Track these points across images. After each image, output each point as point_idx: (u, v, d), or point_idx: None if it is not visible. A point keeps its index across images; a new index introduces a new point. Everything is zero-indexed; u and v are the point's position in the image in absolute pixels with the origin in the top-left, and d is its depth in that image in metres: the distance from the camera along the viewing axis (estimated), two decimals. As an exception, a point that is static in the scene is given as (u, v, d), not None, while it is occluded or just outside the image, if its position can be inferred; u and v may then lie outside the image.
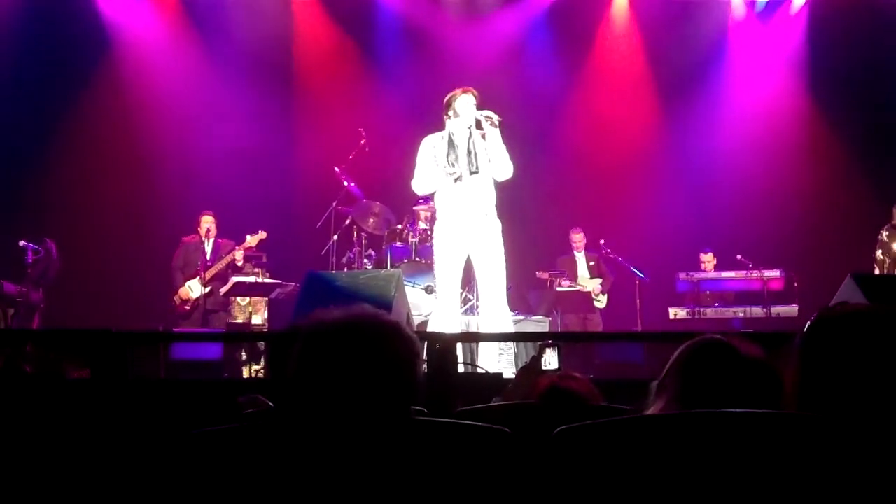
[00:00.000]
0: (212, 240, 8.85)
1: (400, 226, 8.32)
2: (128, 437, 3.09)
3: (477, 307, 6.95)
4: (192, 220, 8.96)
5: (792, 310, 9.13)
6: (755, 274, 9.40)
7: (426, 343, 3.94)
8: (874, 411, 1.47)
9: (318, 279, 5.83)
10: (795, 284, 9.35)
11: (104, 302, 9.17)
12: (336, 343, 1.73)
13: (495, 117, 5.96)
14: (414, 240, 8.03)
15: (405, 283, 6.50)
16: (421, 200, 7.79)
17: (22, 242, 8.67)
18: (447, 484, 1.62)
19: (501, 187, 6.23)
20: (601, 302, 9.68)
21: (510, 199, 6.69)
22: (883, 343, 1.50)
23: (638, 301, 9.60)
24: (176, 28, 10.52)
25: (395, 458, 1.64)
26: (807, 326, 1.68)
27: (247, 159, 10.00)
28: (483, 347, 5.91)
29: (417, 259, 7.89)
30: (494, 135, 5.99)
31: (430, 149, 6.10)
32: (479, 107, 6.04)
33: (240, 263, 8.81)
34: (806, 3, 10.94)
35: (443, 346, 4.01)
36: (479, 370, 5.47)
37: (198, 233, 8.86)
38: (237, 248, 8.75)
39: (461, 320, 6.73)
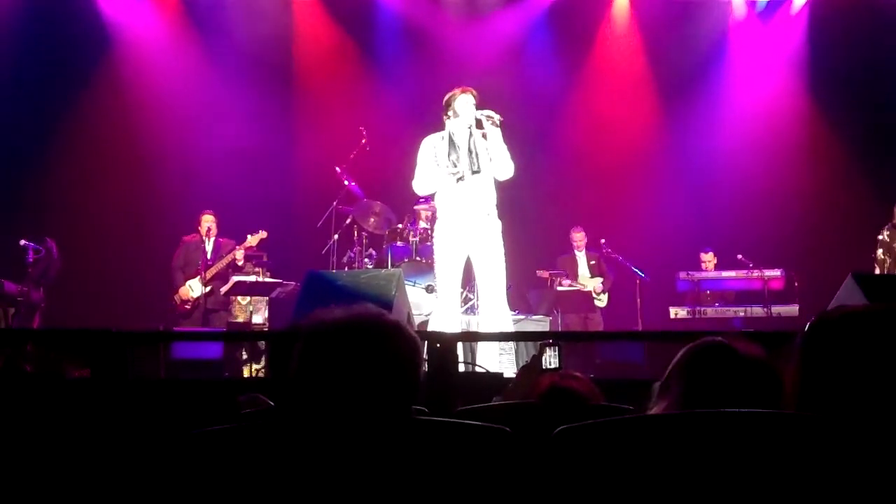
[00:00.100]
0: (212, 239, 8.85)
1: (400, 225, 8.32)
2: (128, 436, 3.09)
3: (477, 307, 6.94)
4: (193, 219, 8.96)
5: (792, 309, 9.13)
6: (756, 273, 9.40)
7: (427, 342, 3.94)
8: (874, 411, 1.47)
9: (319, 278, 5.82)
10: (796, 284, 9.35)
11: (105, 301, 9.17)
12: (337, 342, 1.73)
13: (497, 117, 5.96)
14: (414, 239, 8.03)
15: (406, 282, 6.49)
16: (421, 200, 7.79)
17: (23, 242, 8.67)
18: (448, 483, 1.62)
19: (502, 187, 6.23)
20: (602, 301, 9.68)
21: (511, 199, 6.69)
22: (882, 342, 1.50)
23: (638, 300, 9.60)
24: (176, 28, 10.52)
25: (396, 457, 1.64)
26: (807, 327, 1.68)
27: (247, 159, 10.00)
28: (483, 347, 5.90)
29: (418, 258, 7.90)
30: (496, 134, 5.99)
31: (431, 149, 6.10)
32: (479, 106, 6.04)
33: (240, 263, 8.82)
34: (806, 3, 10.94)
35: (443, 345, 4.01)
36: (479, 369, 5.47)
37: (198, 232, 8.86)
38: (237, 247, 8.76)
39: (462, 320, 6.73)
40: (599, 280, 9.69)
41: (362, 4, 10.92)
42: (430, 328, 6.13)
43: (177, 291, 8.77)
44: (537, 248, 9.90)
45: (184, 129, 10.15)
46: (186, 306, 8.69)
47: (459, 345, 4.48)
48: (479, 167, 5.98)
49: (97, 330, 4.10)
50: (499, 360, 6.04)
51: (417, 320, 6.89)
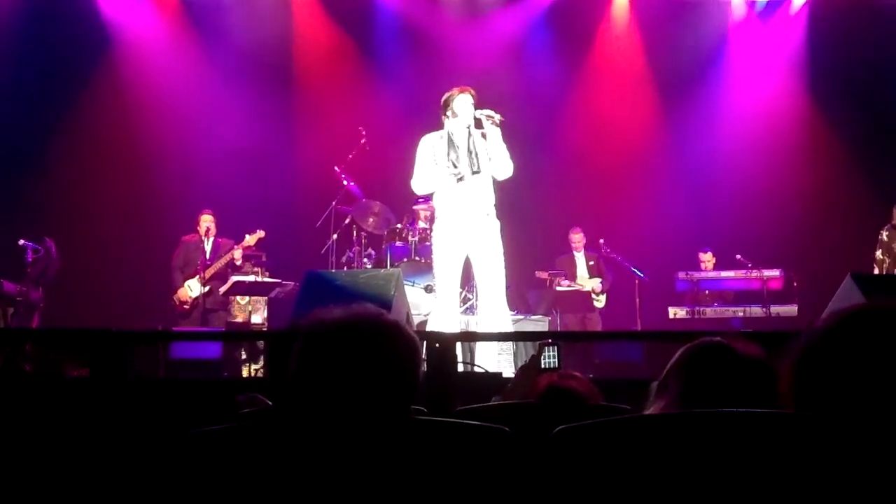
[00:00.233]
0: (211, 239, 8.85)
1: (399, 225, 8.32)
2: (127, 436, 3.09)
3: (476, 307, 6.94)
4: (192, 219, 8.96)
5: (791, 309, 9.13)
6: (755, 273, 9.39)
7: (425, 342, 3.94)
8: (873, 411, 1.47)
9: (318, 278, 5.82)
10: (795, 284, 9.35)
11: (104, 301, 9.17)
12: (336, 342, 1.73)
13: (497, 116, 5.95)
14: (413, 239, 8.02)
15: (405, 282, 6.50)
16: (420, 200, 7.78)
17: (22, 241, 8.67)
18: (446, 483, 1.62)
19: (500, 187, 6.23)
20: (600, 302, 9.68)
21: (510, 199, 6.69)
22: (882, 341, 1.50)
23: (637, 300, 9.60)
24: (176, 28, 10.52)
25: (395, 457, 1.64)
26: (804, 336, 1.66)
27: (247, 159, 10.00)
28: (482, 347, 5.90)
29: (417, 258, 7.89)
30: (495, 134, 5.98)
31: (430, 148, 6.09)
32: (477, 106, 6.03)
33: (238, 262, 8.82)
34: (806, 2, 10.94)
35: (442, 345, 4.01)
36: (478, 369, 5.47)
37: (197, 232, 8.86)
38: (236, 246, 8.76)
39: (461, 320, 6.73)
40: (598, 280, 9.69)
41: (361, 4, 10.92)
42: (428, 328, 6.13)
43: (176, 292, 8.76)
44: (536, 248, 9.91)
45: (183, 128, 10.15)
46: (185, 306, 8.69)
47: (458, 345, 4.48)
48: (478, 167, 5.98)
49: (96, 330, 4.10)
50: (498, 360, 6.04)
51: (416, 320, 6.89)
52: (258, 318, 9.07)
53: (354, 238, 8.60)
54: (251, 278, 8.79)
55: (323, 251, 8.70)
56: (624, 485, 1.52)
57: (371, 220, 8.61)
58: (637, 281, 9.65)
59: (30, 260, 8.69)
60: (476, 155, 5.99)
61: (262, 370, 7.47)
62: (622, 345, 7.62)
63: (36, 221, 9.28)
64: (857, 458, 1.45)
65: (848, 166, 10.43)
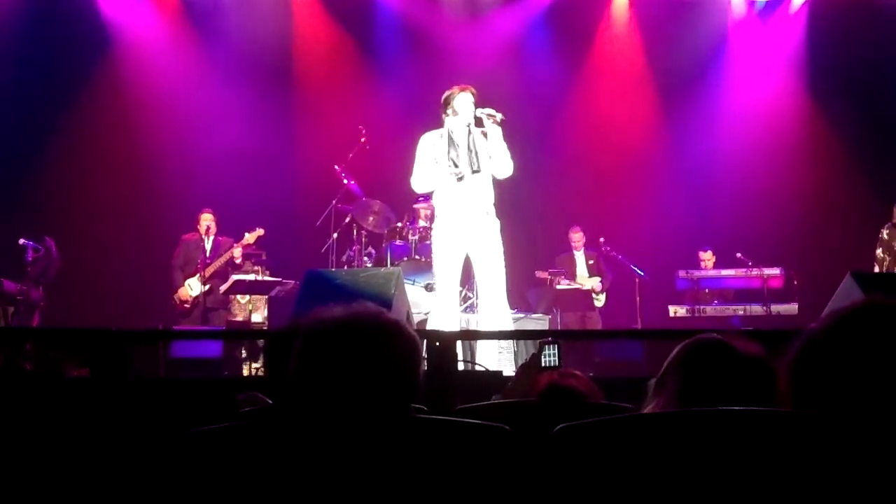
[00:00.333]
0: (212, 237, 8.85)
1: (400, 224, 8.31)
2: (127, 435, 3.09)
3: (476, 305, 6.94)
4: (192, 218, 8.96)
5: (792, 308, 9.12)
6: (755, 272, 9.39)
7: (426, 341, 3.94)
8: (873, 409, 1.47)
9: (318, 277, 5.82)
10: (795, 282, 9.35)
11: (104, 300, 9.18)
12: (336, 341, 1.73)
13: (498, 115, 5.94)
14: (414, 238, 8.02)
15: (405, 281, 6.49)
16: (421, 198, 7.78)
17: (22, 241, 8.67)
18: (447, 482, 1.62)
19: (501, 186, 6.23)
20: (600, 300, 9.68)
21: (510, 198, 6.69)
22: (881, 338, 1.50)
23: (638, 299, 9.61)
24: (176, 27, 10.52)
25: (395, 455, 1.64)
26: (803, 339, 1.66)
27: (247, 158, 9.99)
28: (482, 345, 5.91)
29: (417, 257, 7.89)
30: (496, 133, 5.98)
31: (430, 147, 6.07)
32: (478, 105, 6.02)
33: (238, 261, 8.82)
34: (805, 2, 10.94)
35: (442, 343, 4.02)
36: (478, 368, 5.47)
37: (197, 231, 8.86)
38: (235, 245, 8.76)
39: (461, 318, 6.72)
40: (598, 279, 9.69)
41: (361, 4, 10.92)
42: (429, 327, 6.13)
43: (176, 291, 8.77)
44: (536, 247, 9.91)
45: (183, 128, 10.15)
46: (186, 305, 8.70)
47: (458, 343, 4.48)
48: (479, 166, 5.97)
49: (97, 329, 4.11)
50: (498, 359, 6.05)
51: (417, 319, 6.89)
52: (258, 316, 9.08)
53: (355, 237, 8.60)
54: (251, 277, 8.80)
55: (323, 250, 8.70)
56: (624, 483, 1.53)
57: (371, 218, 8.61)
58: (637, 279, 9.65)
59: (30, 259, 8.69)
60: (476, 154, 5.98)
61: (262, 369, 7.46)
62: (622, 343, 7.62)
63: (36, 220, 9.28)
64: (857, 456, 1.45)
65: (848, 165, 10.43)
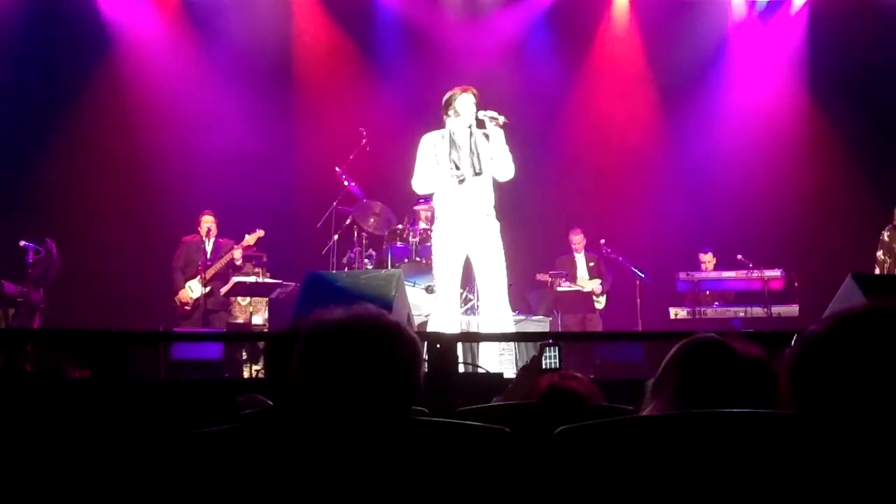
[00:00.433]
0: (212, 239, 8.86)
1: (400, 226, 8.31)
2: (128, 437, 3.09)
3: (477, 307, 6.94)
4: (193, 220, 8.96)
5: (792, 309, 9.12)
6: (756, 274, 9.38)
7: (426, 343, 3.94)
8: (874, 412, 1.47)
9: (319, 279, 5.82)
10: (796, 284, 9.34)
11: (105, 302, 9.18)
12: (337, 343, 1.73)
13: (501, 118, 5.92)
14: (414, 240, 8.02)
15: (406, 283, 6.49)
16: (421, 200, 7.78)
17: (22, 242, 8.67)
18: (447, 484, 1.62)
19: (501, 187, 6.22)
20: (600, 302, 9.68)
21: (510, 200, 6.69)
22: (882, 342, 1.50)
23: (638, 301, 9.60)
24: (176, 27, 10.52)
25: (395, 457, 1.64)
26: (798, 342, 1.66)
27: (247, 159, 9.99)
28: (484, 347, 5.90)
29: (418, 259, 7.89)
30: (498, 135, 5.97)
31: (431, 147, 6.06)
32: (479, 106, 6.01)
33: (239, 262, 8.82)
34: (806, 2, 10.94)
35: (443, 346, 4.02)
36: (479, 370, 5.47)
37: (198, 232, 8.87)
38: (235, 246, 8.76)
39: (461, 320, 6.72)
40: (598, 281, 9.69)
41: (362, 4, 10.92)
42: (429, 329, 6.12)
43: (177, 292, 8.77)
44: (536, 249, 9.90)
45: (183, 129, 10.15)
46: (186, 307, 8.70)
47: (460, 345, 4.48)
48: (480, 168, 5.96)
49: (97, 330, 4.11)
50: (499, 361, 6.04)
51: (417, 321, 6.88)
52: (259, 318, 9.08)
53: (355, 239, 8.59)
54: (252, 279, 8.80)
55: (324, 252, 8.70)
56: (625, 485, 1.52)
57: (372, 220, 8.61)
58: (638, 281, 9.64)
59: (31, 261, 8.69)
60: (478, 156, 5.97)
61: (263, 371, 7.46)
62: (623, 345, 7.63)
63: (36, 222, 9.29)
64: (858, 459, 1.45)
65: (848, 166, 10.43)
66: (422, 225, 8.07)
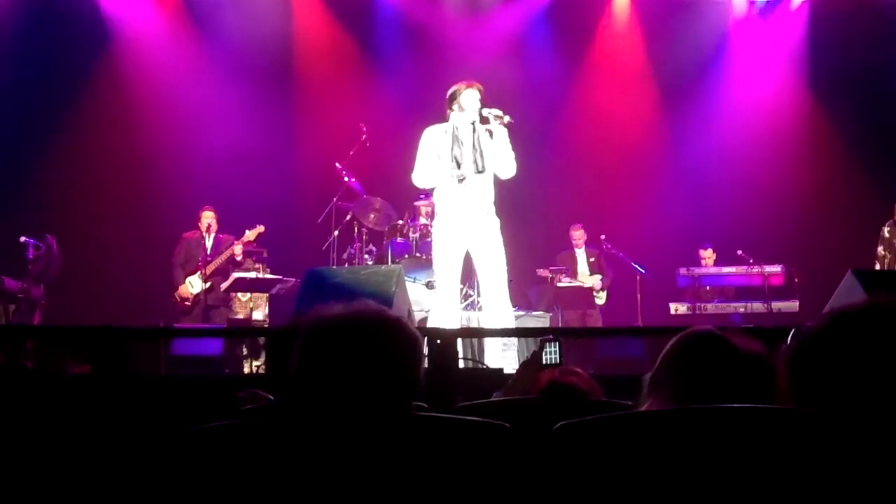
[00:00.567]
0: (212, 235, 8.85)
1: (401, 221, 8.31)
2: (128, 433, 3.09)
3: (478, 303, 6.94)
4: (193, 216, 8.96)
5: (793, 305, 9.13)
6: (756, 269, 9.38)
7: (427, 339, 3.94)
8: (873, 407, 1.47)
9: (319, 275, 5.83)
10: (796, 280, 9.35)
11: (105, 298, 9.18)
12: (337, 338, 1.73)
13: (506, 117, 5.89)
14: (415, 235, 8.02)
15: (406, 278, 6.49)
16: (422, 196, 7.78)
17: (23, 238, 8.67)
18: (448, 479, 1.62)
19: (501, 184, 6.21)
20: (600, 299, 9.68)
21: (511, 196, 6.68)
22: (882, 337, 1.50)
23: (639, 296, 9.61)
24: (176, 24, 10.52)
25: (396, 453, 1.64)
26: (794, 339, 1.66)
27: (247, 155, 9.99)
28: (488, 343, 5.90)
29: (418, 255, 7.89)
30: (502, 134, 5.95)
31: (433, 142, 6.01)
32: (484, 102, 5.98)
33: (239, 257, 8.82)
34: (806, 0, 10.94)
35: (443, 341, 4.02)
36: (479, 366, 5.47)
37: (198, 228, 8.86)
38: (236, 242, 8.76)
39: (462, 316, 6.71)
40: (598, 277, 9.69)
41: (361, 1, 10.91)
42: (429, 324, 6.12)
43: (177, 288, 8.77)
44: (537, 244, 9.90)
45: (183, 125, 10.15)
46: (186, 303, 8.70)
47: (460, 340, 4.48)
48: (483, 166, 5.92)
49: (98, 326, 4.10)
50: (502, 356, 6.03)
51: (417, 316, 6.88)
52: (259, 314, 9.08)
53: (355, 234, 8.59)
54: (252, 275, 8.79)
55: (324, 248, 8.70)
56: (625, 481, 1.53)
57: (372, 216, 8.61)
58: (638, 277, 9.65)
59: (31, 257, 8.69)
60: (481, 153, 5.93)
61: (263, 367, 7.47)
62: (623, 341, 7.63)
63: (37, 218, 9.30)
64: (857, 454, 1.45)
65: (849, 163, 10.43)
66: (422, 221, 8.07)
